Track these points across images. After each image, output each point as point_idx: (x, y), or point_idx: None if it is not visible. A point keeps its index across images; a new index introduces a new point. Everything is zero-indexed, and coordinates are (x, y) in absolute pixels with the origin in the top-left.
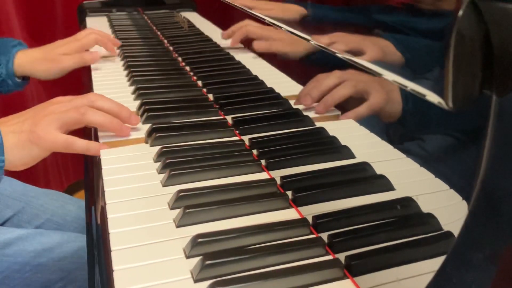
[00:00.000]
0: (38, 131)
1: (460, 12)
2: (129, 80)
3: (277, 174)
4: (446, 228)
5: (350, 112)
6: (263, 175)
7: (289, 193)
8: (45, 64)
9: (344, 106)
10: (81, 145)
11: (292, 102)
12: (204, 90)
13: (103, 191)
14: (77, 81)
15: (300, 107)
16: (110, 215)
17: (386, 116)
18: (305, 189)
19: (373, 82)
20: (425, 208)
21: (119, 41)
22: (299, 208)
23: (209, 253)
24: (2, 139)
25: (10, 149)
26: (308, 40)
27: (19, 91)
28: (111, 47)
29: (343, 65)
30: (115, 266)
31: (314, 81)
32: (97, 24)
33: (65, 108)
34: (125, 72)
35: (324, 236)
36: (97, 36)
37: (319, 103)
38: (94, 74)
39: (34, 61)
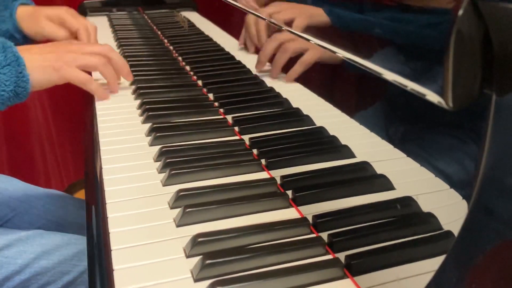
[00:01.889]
0: (62, 62)
1: (460, 12)
2: None
3: (277, 173)
4: (446, 227)
5: (291, 71)
6: (263, 175)
7: (289, 192)
8: (27, 22)
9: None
10: (94, 87)
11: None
12: (204, 89)
13: (104, 190)
14: None
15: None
16: (110, 215)
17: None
18: (305, 189)
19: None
20: (425, 207)
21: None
22: (299, 208)
23: (209, 253)
24: (25, 61)
25: (32, 71)
26: (308, 40)
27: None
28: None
29: (347, 65)
30: (115, 266)
31: (261, 51)
32: (97, 23)
33: (86, 50)
34: None
35: (324, 235)
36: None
37: (270, 72)
38: (94, 74)
39: (23, 16)
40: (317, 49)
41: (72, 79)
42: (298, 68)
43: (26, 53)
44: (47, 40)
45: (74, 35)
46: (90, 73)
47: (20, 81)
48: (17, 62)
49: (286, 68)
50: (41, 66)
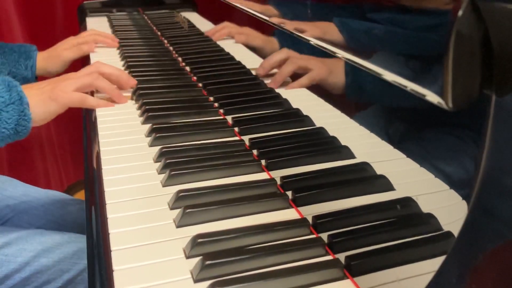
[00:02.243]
0: (58, 90)
1: (460, 12)
2: None
3: (277, 174)
4: (446, 228)
5: (294, 82)
6: (263, 175)
7: (289, 193)
8: (50, 61)
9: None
10: (92, 101)
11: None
12: (204, 90)
13: (103, 191)
14: None
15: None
16: (110, 215)
17: (331, 87)
18: (305, 189)
19: (315, 58)
20: (425, 208)
21: (118, 41)
22: (299, 208)
23: (209, 253)
24: (27, 99)
25: (34, 107)
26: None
27: None
28: (110, 42)
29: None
30: (115, 266)
31: (267, 58)
32: (97, 24)
33: (79, 75)
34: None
35: (324, 236)
36: (96, 36)
37: (272, 80)
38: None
39: (42, 60)
40: (324, 69)
41: (70, 102)
42: (303, 81)
43: (28, 90)
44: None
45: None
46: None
47: (22, 119)
48: (21, 101)
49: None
50: (40, 100)
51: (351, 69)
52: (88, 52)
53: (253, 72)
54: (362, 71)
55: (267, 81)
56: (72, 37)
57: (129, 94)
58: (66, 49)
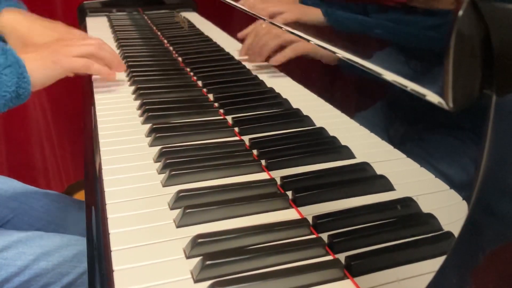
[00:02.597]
0: (61, 55)
1: (460, 12)
2: (129, 80)
3: (277, 174)
4: (446, 228)
5: (278, 55)
6: (263, 175)
7: (289, 193)
8: (18, 46)
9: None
10: (98, 67)
11: (290, 101)
12: (204, 90)
13: (103, 191)
14: (77, 80)
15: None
16: (110, 215)
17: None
18: (305, 189)
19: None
20: (425, 208)
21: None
22: (299, 208)
23: (209, 253)
24: (24, 62)
25: (32, 71)
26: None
27: None
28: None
29: (348, 67)
30: (115, 267)
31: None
32: (97, 24)
33: (80, 42)
34: (125, 72)
35: (324, 236)
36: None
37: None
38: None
39: (12, 33)
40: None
41: (74, 67)
42: (287, 52)
43: (23, 55)
44: None
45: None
46: None
47: (22, 82)
48: (18, 64)
49: (284, 67)
50: (41, 64)
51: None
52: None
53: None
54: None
55: (268, 80)
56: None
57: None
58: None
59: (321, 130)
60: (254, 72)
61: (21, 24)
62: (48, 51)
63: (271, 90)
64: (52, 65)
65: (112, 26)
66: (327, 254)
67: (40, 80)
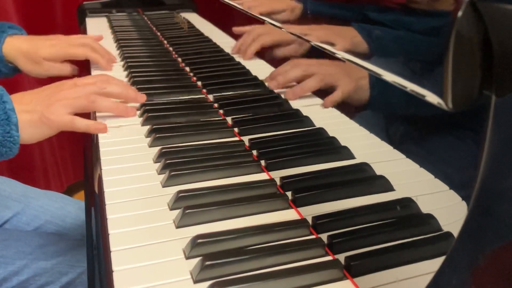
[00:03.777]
0: (49, 114)
1: (460, 13)
2: (129, 80)
3: (277, 174)
4: (445, 228)
5: (327, 100)
6: (263, 176)
7: (289, 193)
8: (28, 64)
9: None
10: (82, 124)
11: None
12: (204, 90)
13: (103, 192)
14: None
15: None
16: (110, 216)
17: (356, 101)
18: (305, 190)
19: (340, 72)
20: (424, 208)
21: (116, 56)
22: (299, 209)
23: (209, 254)
24: (17, 117)
25: (23, 127)
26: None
27: (14, 88)
28: (104, 64)
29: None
30: (115, 267)
31: (284, 66)
32: (97, 25)
33: (76, 94)
34: (125, 73)
35: (324, 236)
36: (89, 52)
37: (289, 90)
38: (94, 75)
39: (18, 54)
40: (352, 85)
41: (60, 127)
42: (335, 98)
43: (18, 105)
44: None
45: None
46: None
47: (6, 141)
48: (8, 121)
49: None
50: (32, 121)
51: (377, 81)
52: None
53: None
54: (388, 83)
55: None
56: (62, 40)
57: (137, 105)
58: (51, 58)
59: (321, 130)
60: (254, 73)
61: (23, 43)
62: (40, 107)
63: (271, 90)
64: (41, 124)
65: (111, 27)
66: (326, 254)
67: (31, 137)
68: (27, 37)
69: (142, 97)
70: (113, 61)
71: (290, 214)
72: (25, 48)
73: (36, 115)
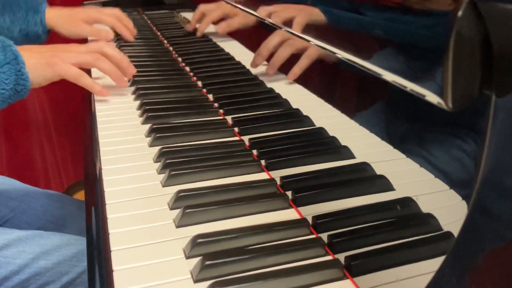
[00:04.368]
0: (57, 58)
1: (460, 13)
2: (129, 80)
3: (277, 174)
4: (445, 228)
5: (295, 68)
6: (263, 175)
7: (289, 193)
8: (66, 26)
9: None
10: (88, 81)
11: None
12: (204, 90)
13: (103, 191)
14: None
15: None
16: (110, 215)
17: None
18: (305, 189)
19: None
20: (425, 208)
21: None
22: (299, 208)
23: (209, 254)
24: (24, 59)
25: (29, 68)
26: (308, 41)
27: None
28: (127, 34)
29: (347, 66)
30: (115, 267)
31: (263, 44)
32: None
33: (81, 50)
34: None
35: (324, 236)
36: (116, 22)
37: (268, 65)
38: (94, 75)
39: (59, 19)
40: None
41: (64, 74)
42: (304, 62)
43: (27, 51)
44: (85, 40)
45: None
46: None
47: (20, 79)
48: (16, 60)
49: (282, 68)
50: (38, 63)
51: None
52: (105, 40)
53: (253, 72)
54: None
55: (268, 80)
56: (94, 10)
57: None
58: (86, 22)
59: (321, 130)
60: (254, 72)
61: (62, 10)
62: (49, 54)
63: (271, 90)
64: (47, 67)
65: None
66: (326, 254)
67: (36, 78)
68: (63, 8)
69: (133, 69)
70: (134, 33)
71: (290, 214)
72: (65, 14)
73: (43, 59)
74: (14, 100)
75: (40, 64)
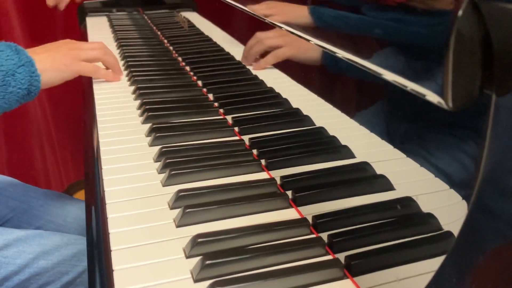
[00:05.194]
0: (70, 57)
1: (460, 12)
2: (129, 80)
3: (277, 174)
4: (446, 228)
5: (261, 61)
6: (263, 175)
7: (289, 193)
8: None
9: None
10: (103, 72)
11: (291, 102)
12: (204, 90)
13: (103, 191)
14: (77, 80)
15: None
16: (110, 215)
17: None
18: (305, 189)
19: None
20: (425, 208)
21: (122, 72)
22: (299, 208)
23: (209, 253)
24: (35, 62)
25: (43, 71)
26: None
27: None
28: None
29: (349, 67)
30: (115, 266)
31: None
32: (97, 24)
33: (86, 47)
34: (125, 72)
35: (324, 236)
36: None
37: (255, 65)
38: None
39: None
40: (293, 46)
41: (83, 71)
42: (269, 59)
43: (34, 54)
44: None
45: None
46: None
47: (34, 80)
48: (30, 63)
49: (283, 68)
50: (51, 65)
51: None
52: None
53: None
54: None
55: (268, 80)
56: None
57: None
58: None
59: (321, 129)
60: (254, 72)
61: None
62: (59, 54)
63: (271, 89)
64: (64, 68)
65: (112, 26)
66: (327, 253)
67: (49, 79)
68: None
69: (120, 73)
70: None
71: (290, 213)
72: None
73: (56, 62)
74: (25, 101)
75: (54, 67)
